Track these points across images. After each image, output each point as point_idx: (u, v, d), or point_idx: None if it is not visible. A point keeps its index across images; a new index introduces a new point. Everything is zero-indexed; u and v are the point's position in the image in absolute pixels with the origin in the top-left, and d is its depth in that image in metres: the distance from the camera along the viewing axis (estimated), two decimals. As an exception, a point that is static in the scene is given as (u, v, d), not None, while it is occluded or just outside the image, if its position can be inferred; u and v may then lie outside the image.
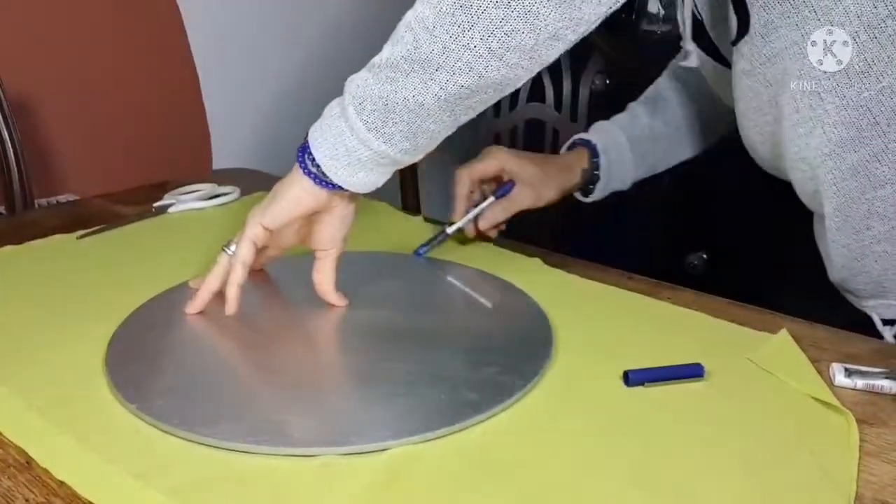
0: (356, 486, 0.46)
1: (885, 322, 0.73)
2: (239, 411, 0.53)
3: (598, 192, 0.90)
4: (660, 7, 1.49)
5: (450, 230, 0.80)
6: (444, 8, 0.54)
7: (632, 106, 0.94)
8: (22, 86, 1.20)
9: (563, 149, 0.91)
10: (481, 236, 0.83)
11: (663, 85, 0.94)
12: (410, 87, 0.57)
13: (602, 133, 0.91)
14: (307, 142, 0.61)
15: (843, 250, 0.70)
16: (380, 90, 0.58)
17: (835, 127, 0.63)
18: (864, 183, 0.64)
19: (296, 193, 0.63)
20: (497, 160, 0.82)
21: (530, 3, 0.52)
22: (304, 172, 0.62)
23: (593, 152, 0.89)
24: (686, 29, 0.75)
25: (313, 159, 0.61)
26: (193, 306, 0.66)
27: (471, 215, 0.80)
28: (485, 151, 0.83)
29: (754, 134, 0.71)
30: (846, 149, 0.63)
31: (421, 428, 0.50)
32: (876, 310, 0.73)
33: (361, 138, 0.59)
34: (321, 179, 0.62)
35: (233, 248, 0.65)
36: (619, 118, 0.93)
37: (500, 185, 0.82)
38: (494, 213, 0.81)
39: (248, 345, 0.63)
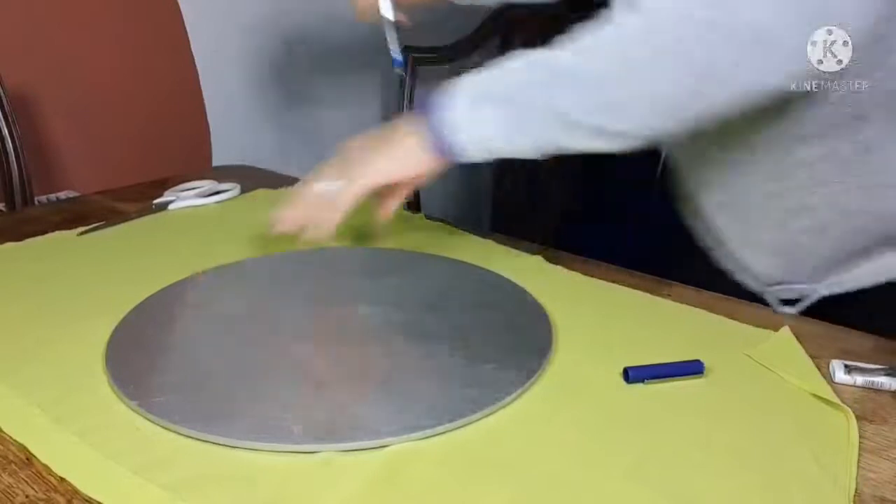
0: (356, 482, 0.46)
1: (785, 302, 0.76)
2: (239, 408, 0.53)
3: None
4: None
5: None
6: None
7: None
8: (22, 83, 1.20)
9: None
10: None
11: None
12: (567, 101, 0.59)
13: None
14: (446, 114, 0.62)
15: None
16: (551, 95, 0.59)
17: None
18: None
19: (417, 158, 0.65)
20: None
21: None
22: (435, 145, 0.63)
23: None
24: None
25: (451, 135, 0.62)
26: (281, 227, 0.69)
27: None
28: None
29: None
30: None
31: (421, 424, 0.50)
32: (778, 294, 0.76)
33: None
34: (450, 153, 0.64)
35: (325, 185, 0.67)
36: None
37: None
38: None
39: (249, 341, 0.63)
